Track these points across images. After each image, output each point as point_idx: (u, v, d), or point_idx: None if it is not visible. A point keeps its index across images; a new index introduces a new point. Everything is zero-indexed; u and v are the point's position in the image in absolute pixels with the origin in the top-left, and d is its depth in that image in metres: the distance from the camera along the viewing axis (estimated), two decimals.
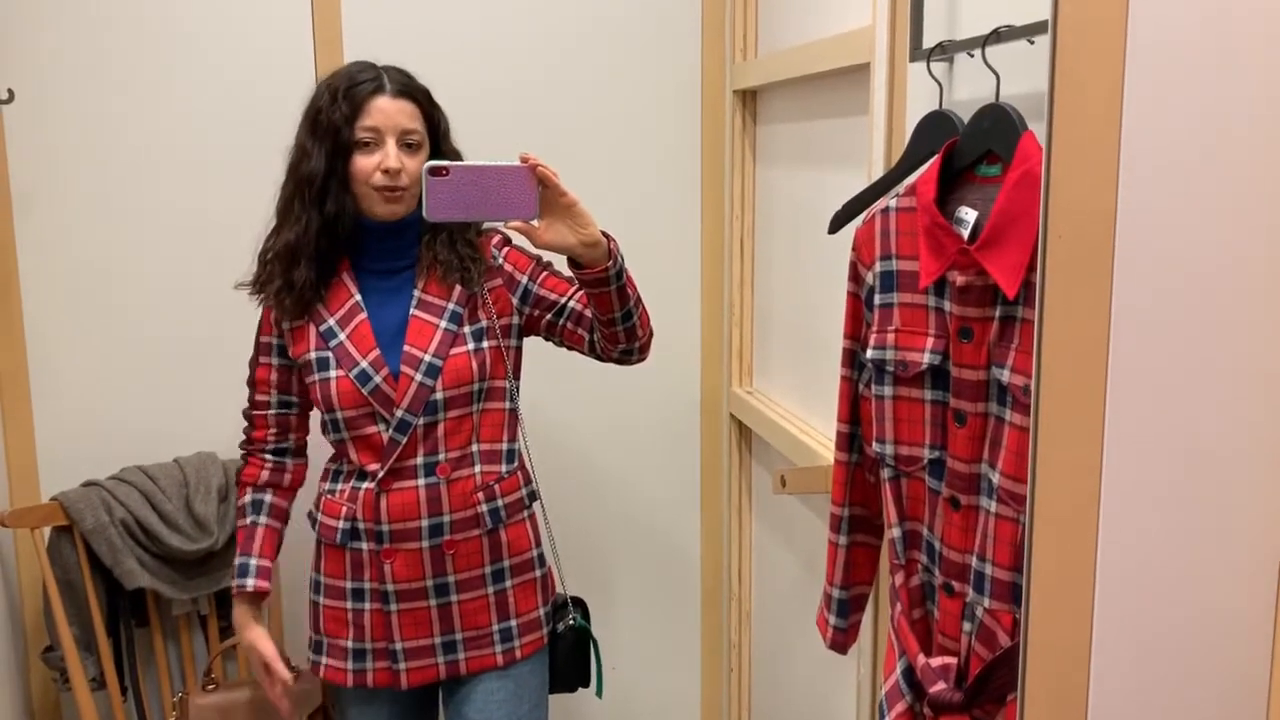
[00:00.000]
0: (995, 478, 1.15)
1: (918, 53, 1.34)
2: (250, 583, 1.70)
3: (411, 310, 1.61)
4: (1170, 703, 0.87)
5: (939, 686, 1.22)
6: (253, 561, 1.71)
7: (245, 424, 1.75)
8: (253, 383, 1.73)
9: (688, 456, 2.44)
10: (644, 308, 1.63)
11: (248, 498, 1.74)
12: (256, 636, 1.71)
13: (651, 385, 2.35)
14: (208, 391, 2.16)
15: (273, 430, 1.72)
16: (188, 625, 2.14)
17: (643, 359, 1.69)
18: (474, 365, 1.61)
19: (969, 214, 1.18)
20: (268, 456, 1.74)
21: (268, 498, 1.73)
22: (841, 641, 1.49)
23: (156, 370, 2.14)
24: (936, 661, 1.24)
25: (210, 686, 1.98)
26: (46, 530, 2.00)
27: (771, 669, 2.27)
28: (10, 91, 1.87)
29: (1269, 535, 0.86)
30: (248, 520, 1.73)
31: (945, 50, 1.28)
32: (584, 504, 2.39)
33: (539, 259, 1.71)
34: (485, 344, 1.63)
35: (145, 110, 2.07)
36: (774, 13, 2.10)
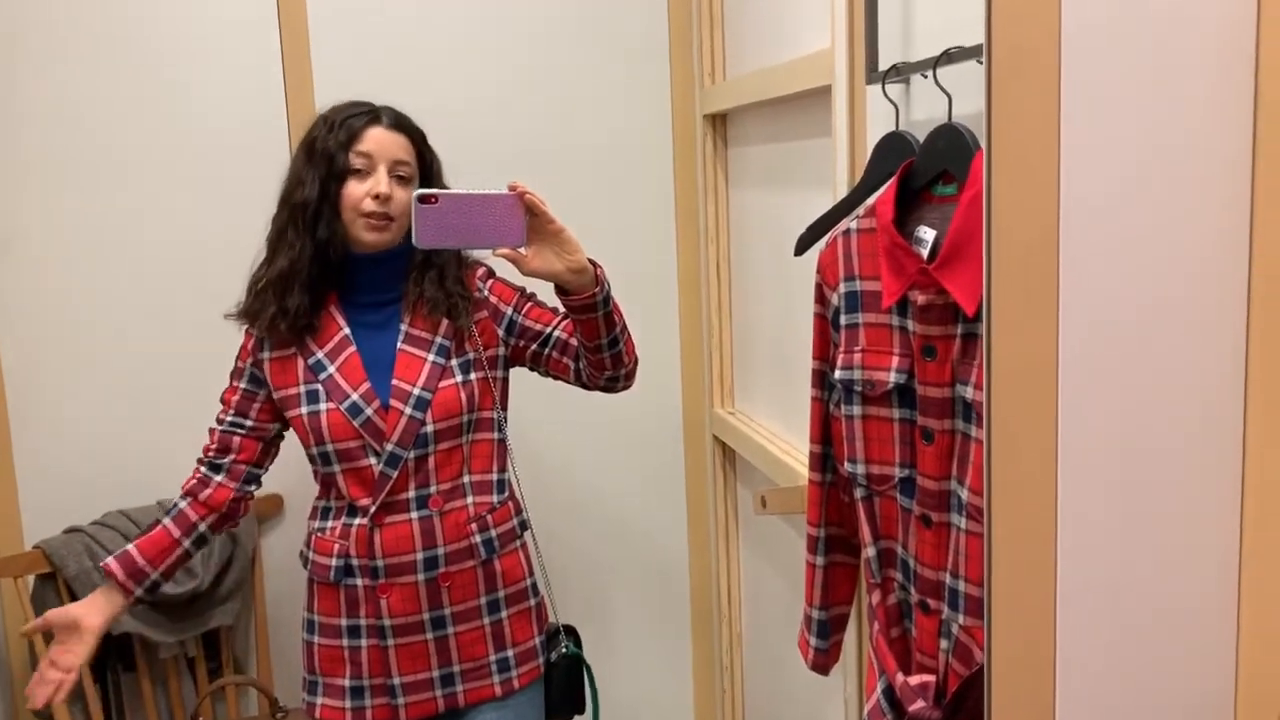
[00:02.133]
0: (964, 494, 1.16)
1: (873, 75, 1.35)
2: (113, 562, 1.64)
3: (399, 344, 1.63)
4: (1137, 706, 0.88)
5: (918, 705, 1.22)
6: (132, 548, 1.65)
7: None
8: (222, 399, 1.73)
9: (673, 479, 2.44)
10: (629, 334, 1.64)
11: (173, 501, 1.71)
12: (73, 606, 1.64)
13: (634, 410, 2.35)
14: (188, 433, 2.14)
15: (215, 446, 1.71)
16: (175, 668, 2.13)
17: (628, 386, 1.70)
18: (462, 397, 1.63)
19: (928, 233, 1.19)
20: (202, 469, 1.71)
21: (182, 504, 1.69)
22: (823, 663, 1.49)
23: (135, 414, 2.14)
24: (915, 680, 1.24)
25: None
26: (30, 578, 1.99)
27: (764, 689, 2.27)
28: None
29: (1225, 533, 0.86)
30: (156, 519, 1.70)
31: (900, 72, 1.29)
32: (571, 530, 2.39)
33: (523, 290, 1.72)
34: (473, 375, 1.65)
35: (119, 148, 2.08)
36: (740, 35, 2.12)
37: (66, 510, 2.08)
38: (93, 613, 1.64)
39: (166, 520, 1.68)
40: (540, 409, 2.26)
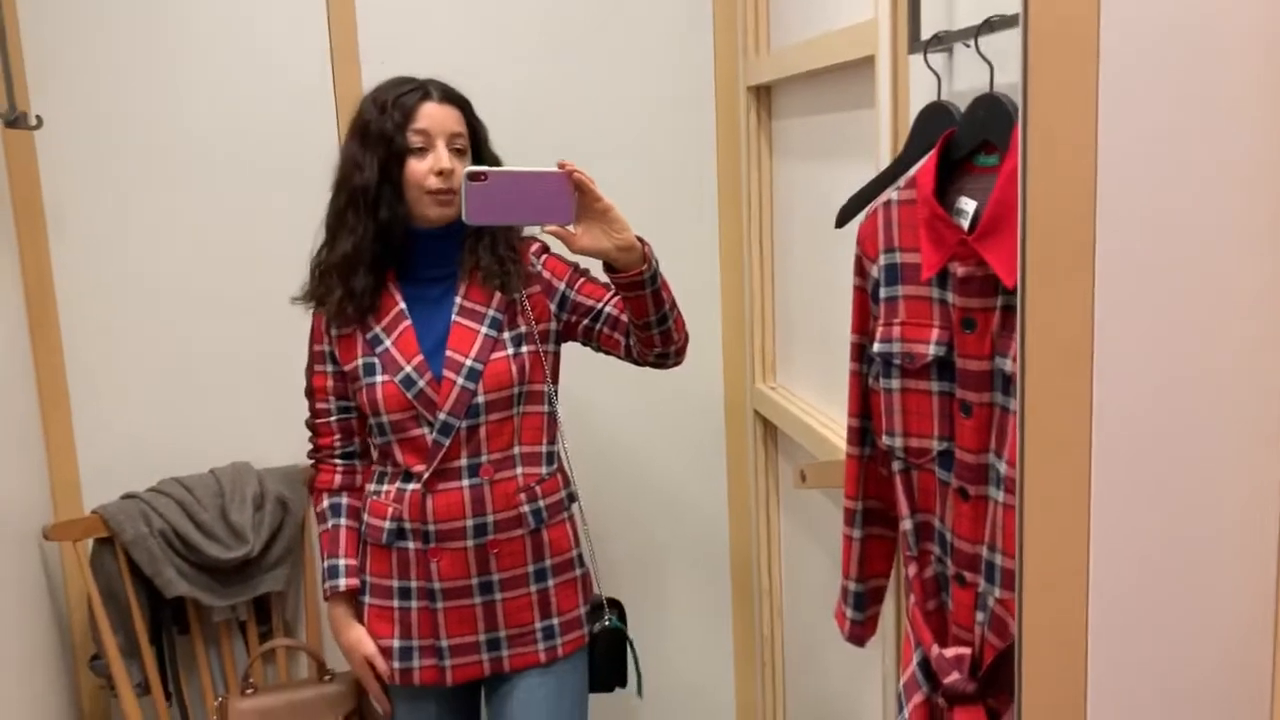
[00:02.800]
0: (1002, 468, 1.15)
1: (915, 44, 1.34)
2: (342, 583, 1.72)
3: (453, 317, 1.66)
4: (1170, 678, 0.87)
5: (953, 677, 1.22)
6: (341, 562, 1.73)
7: (310, 434, 1.79)
8: (310, 392, 1.77)
9: (714, 455, 2.45)
10: (679, 312, 1.66)
11: (325, 503, 1.77)
12: (359, 637, 1.72)
13: (676, 386, 2.35)
14: (241, 403, 2.21)
15: (338, 436, 1.75)
16: (228, 631, 2.19)
17: (679, 363, 1.72)
18: (513, 369, 1.66)
19: (968, 204, 1.18)
20: (338, 461, 1.76)
21: (344, 500, 1.76)
22: (859, 634, 1.49)
23: (191, 384, 2.19)
24: (950, 652, 1.24)
25: (249, 690, 2.02)
26: (89, 542, 2.05)
27: (805, 662, 2.28)
28: (39, 118, 1.93)
29: (1263, 505, 0.85)
30: (329, 524, 1.76)
31: (942, 41, 1.28)
32: (615, 504, 2.41)
33: (576, 266, 1.74)
34: (524, 349, 1.68)
35: (171, 127, 2.12)
36: (784, 7, 2.10)
37: (124, 478, 2.14)
38: (365, 635, 1.72)
39: (344, 521, 1.75)
40: (585, 384, 2.27)
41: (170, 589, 2.04)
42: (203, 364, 2.19)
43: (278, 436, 2.18)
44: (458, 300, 1.67)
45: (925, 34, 1.34)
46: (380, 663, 1.71)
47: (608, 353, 1.74)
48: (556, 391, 1.75)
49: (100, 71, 2.08)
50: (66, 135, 2.07)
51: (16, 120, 1.84)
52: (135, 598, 2.04)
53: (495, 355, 1.65)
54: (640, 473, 2.43)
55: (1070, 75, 0.79)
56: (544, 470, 1.72)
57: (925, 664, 1.29)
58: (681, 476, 2.44)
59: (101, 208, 2.12)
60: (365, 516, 1.73)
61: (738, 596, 2.50)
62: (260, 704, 1.99)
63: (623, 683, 1.83)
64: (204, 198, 2.15)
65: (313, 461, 1.80)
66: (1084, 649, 0.86)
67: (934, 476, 1.27)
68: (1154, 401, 0.83)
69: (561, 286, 1.72)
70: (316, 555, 2.23)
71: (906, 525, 1.31)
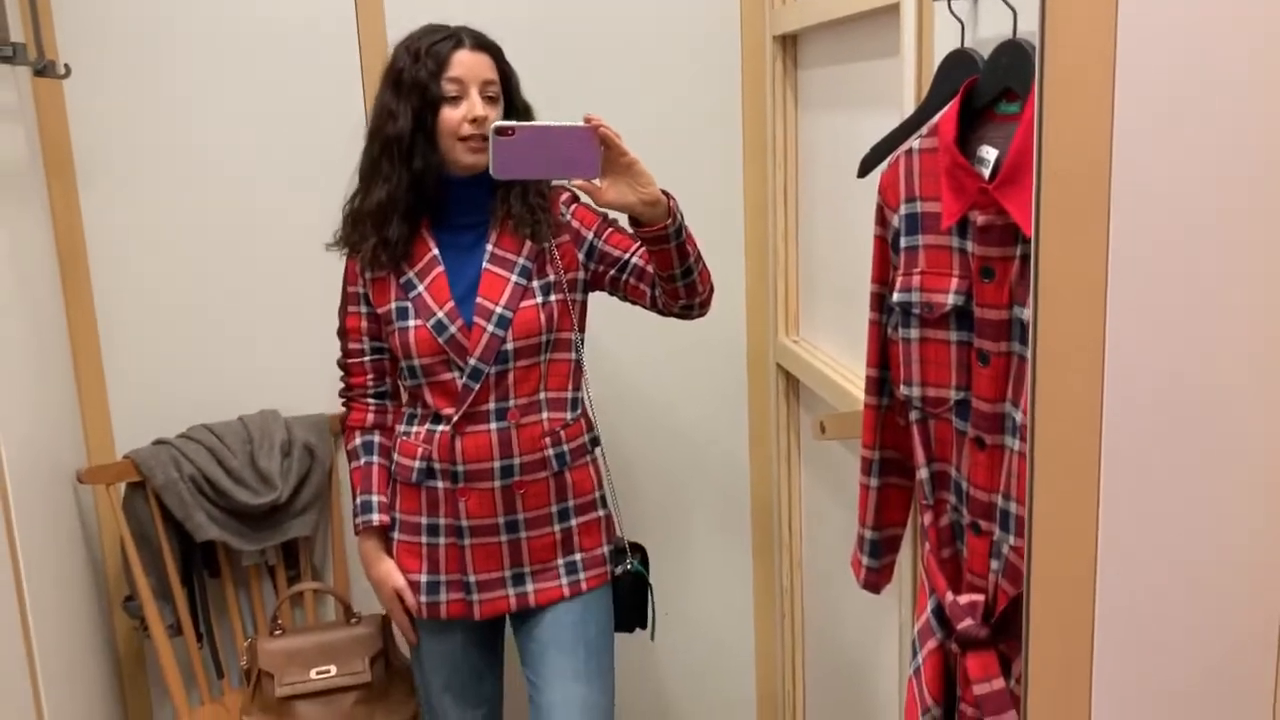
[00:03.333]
0: (1018, 417, 1.16)
1: None
2: (375, 518, 1.78)
3: (484, 264, 1.70)
4: (1178, 632, 0.88)
5: (966, 623, 1.23)
6: (374, 498, 1.79)
7: (342, 373, 1.84)
8: (344, 332, 1.81)
9: (736, 407, 2.46)
10: (704, 264, 1.69)
11: (357, 440, 1.81)
12: (389, 570, 1.78)
13: (698, 338, 2.36)
14: (269, 352, 2.24)
15: (370, 375, 1.81)
16: (257, 575, 2.24)
17: (703, 314, 1.76)
18: (542, 317, 1.70)
19: (990, 153, 1.17)
20: (370, 400, 1.81)
21: (376, 438, 1.81)
22: (874, 581, 1.51)
23: (220, 333, 2.22)
24: (964, 599, 1.25)
25: (277, 631, 2.07)
26: (122, 486, 2.10)
27: (823, 613, 2.30)
28: (67, 66, 1.94)
29: (1273, 454, 0.85)
30: (361, 461, 1.81)
31: None
32: (634, 455, 2.43)
33: (605, 216, 1.77)
34: (553, 297, 1.71)
35: (199, 77, 2.13)
36: None
37: (154, 423, 2.18)
38: (394, 569, 1.78)
39: (375, 459, 1.80)
40: (609, 333, 2.29)
41: (200, 533, 2.08)
42: (231, 313, 2.22)
43: (305, 385, 2.22)
44: (489, 248, 1.70)
45: None
46: (409, 596, 1.76)
47: (634, 302, 1.78)
48: (583, 340, 1.78)
49: (128, 19, 2.09)
50: (95, 84, 2.09)
51: (45, 69, 1.86)
52: (167, 541, 2.09)
53: (524, 303, 1.69)
54: (662, 424, 2.44)
55: (1088, 19, 0.78)
56: (568, 415, 1.76)
57: (939, 611, 1.30)
58: (704, 429, 2.46)
59: (130, 157, 2.13)
60: (395, 455, 1.78)
61: (758, 546, 2.52)
62: (288, 645, 2.04)
63: (644, 624, 1.88)
64: (232, 147, 2.16)
65: (344, 400, 1.85)
66: (1092, 596, 0.87)
67: (951, 426, 1.28)
68: (1168, 353, 0.83)
69: (590, 236, 1.75)
70: (344, 501, 2.28)
71: (923, 474, 1.32)
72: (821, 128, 2.09)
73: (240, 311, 2.22)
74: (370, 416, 1.81)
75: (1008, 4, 1.14)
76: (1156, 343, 0.83)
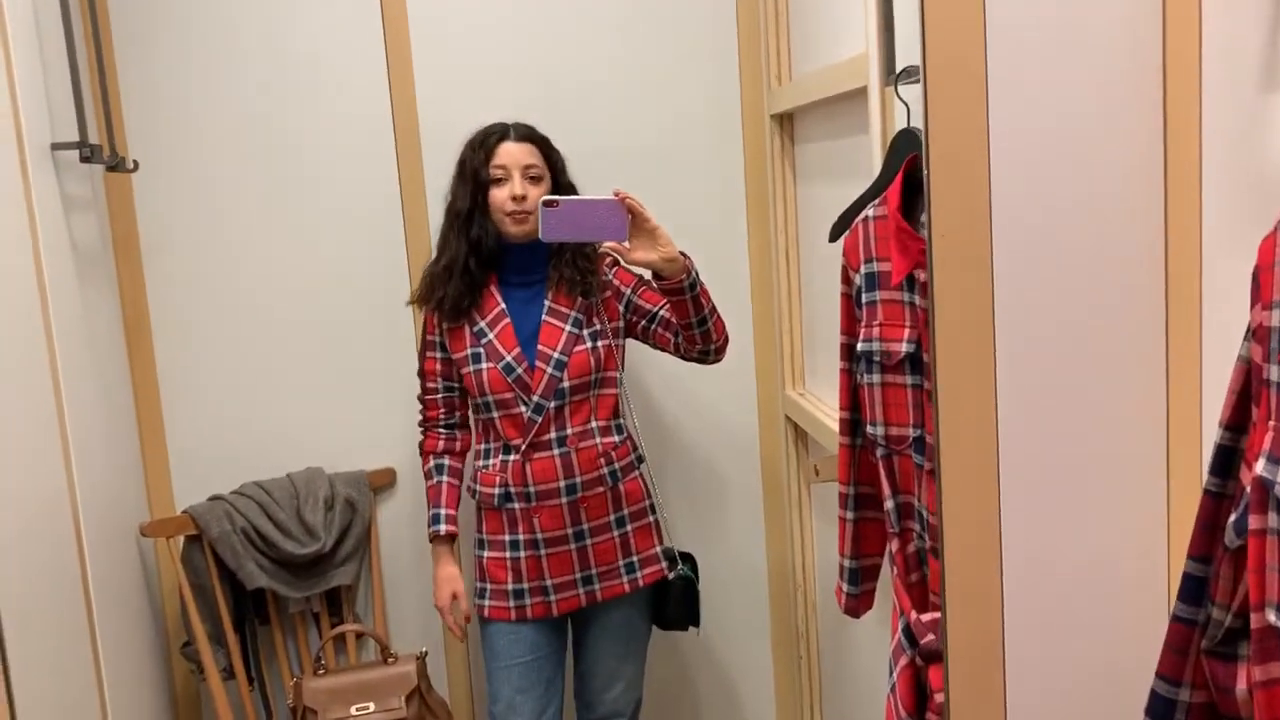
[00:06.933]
0: None
1: (889, 77, 1.50)
2: (443, 528, 2.12)
3: (544, 317, 2.04)
4: (1076, 612, 1.02)
5: (929, 638, 1.37)
6: (442, 511, 2.13)
7: (420, 407, 2.17)
8: (423, 373, 2.15)
9: (749, 458, 2.60)
10: (719, 316, 2.03)
11: (431, 463, 2.16)
12: (452, 574, 2.13)
13: (711, 393, 2.53)
14: (315, 414, 2.44)
15: (443, 410, 2.15)
16: (303, 621, 2.40)
17: (719, 359, 2.08)
18: (591, 360, 2.03)
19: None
20: (441, 430, 2.16)
21: (447, 461, 2.16)
22: (854, 607, 1.64)
23: (270, 397, 2.42)
24: (927, 617, 1.39)
25: (321, 671, 2.23)
26: (180, 539, 2.29)
27: (837, 654, 2.41)
28: (135, 161, 2.18)
29: (1151, 441, 1.00)
30: (434, 480, 2.15)
31: (911, 74, 1.44)
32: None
33: (640, 277, 2.11)
34: (599, 343, 2.05)
35: (251, 164, 2.36)
36: (805, 37, 2.27)
37: (210, 480, 2.38)
38: (456, 574, 2.14)
39: (445, 478, 2.15)
40: (642, 387, 2.46)
41: (251, 581, 2.26)
42: (280, 379, 2.42)
43: (347, 444, 2.42)
44: (547, 303, 2.05)
45: (900, 66, 1.50)
46: (463, 601, 2.13)
47: (660, 348, 2.10)
48: (624, 376, 2.15)
49: (188, 113, 2.32)
50: (157, 174, 2.32)
51: (117, 165, 2.10)
52: (220, 589, 2.27)
53: (577, 349, 2.02)
54: (680, 476, 2.58)
55: (963, 101, 0.95)
56: (616, 439, 2.10)
57: (908, 629, 1.43)
58: (719, 478, 2.60)
59: (189, 238, 2.36)
60: (476, 486, 2.09)
61: (774, 592, 2.64)
62: (331, 683, 2.20)
63: (696, 622, 2.19)
64: (278, 230, 2.38)
65: (422, 430, 2.18)
66: (1000, 606, 1.01)
67: (911, 460, 1.42)
68: (1048, 373, 0.98)
69: (628, 292, 2.10)
70: (384, 550, 2.46)
71: (889, 505, 1.46)
72: (817, 196, 2.26)
73: (288, 377, 2.42)
74: (442, 443, 2.15)
75: (901, 100, 1.32)
76: (1039, 365, 0.98)
